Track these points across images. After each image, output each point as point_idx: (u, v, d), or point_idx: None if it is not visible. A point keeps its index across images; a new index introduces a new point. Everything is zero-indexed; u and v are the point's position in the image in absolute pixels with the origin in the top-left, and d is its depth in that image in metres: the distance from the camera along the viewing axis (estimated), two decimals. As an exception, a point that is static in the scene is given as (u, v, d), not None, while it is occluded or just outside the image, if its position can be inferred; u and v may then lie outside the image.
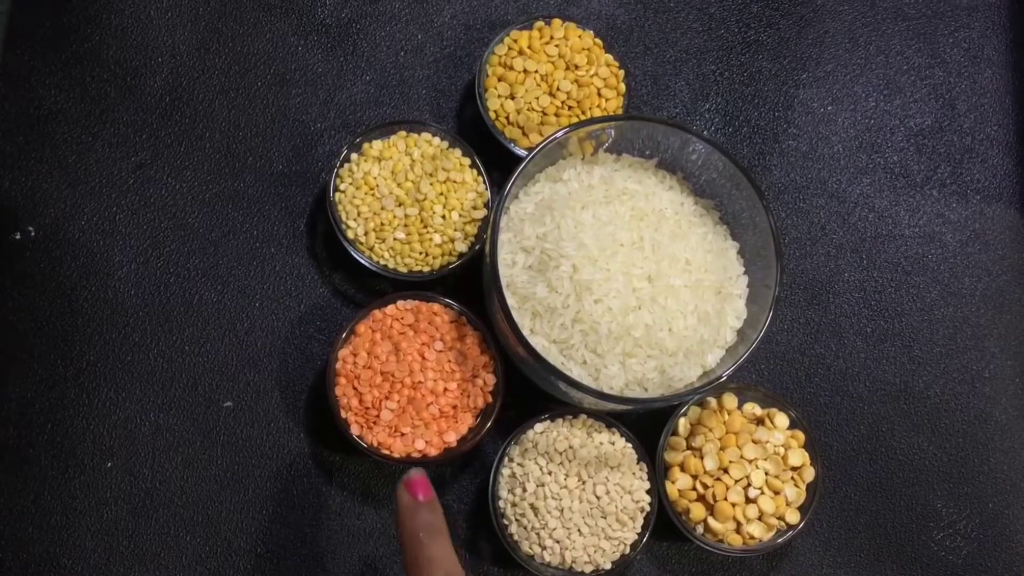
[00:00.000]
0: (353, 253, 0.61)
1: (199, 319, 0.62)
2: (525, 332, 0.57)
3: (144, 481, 0.60)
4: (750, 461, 0.60)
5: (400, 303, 0.61)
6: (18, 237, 0.62)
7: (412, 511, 0.51)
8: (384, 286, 0.63)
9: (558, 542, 0.58)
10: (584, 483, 0.59)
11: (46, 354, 0.61)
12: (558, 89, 0.64)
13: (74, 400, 0.61)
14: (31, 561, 0.59)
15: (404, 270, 0.62)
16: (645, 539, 0.59)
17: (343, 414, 0.59)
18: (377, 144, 0.63)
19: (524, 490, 0.59)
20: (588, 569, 0.58)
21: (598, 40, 0.66)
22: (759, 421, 0.61)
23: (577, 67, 0.64)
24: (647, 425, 0.61)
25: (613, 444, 0.60)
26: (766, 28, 0.70)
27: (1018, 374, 0.67)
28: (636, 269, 0.58)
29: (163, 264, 0.63)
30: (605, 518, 0.58)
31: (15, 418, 0.60)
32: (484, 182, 0.63)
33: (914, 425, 0.65)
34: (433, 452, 0.59)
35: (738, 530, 0.59)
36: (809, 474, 0.60)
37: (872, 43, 0.71)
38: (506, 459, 0.60)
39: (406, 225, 0.61)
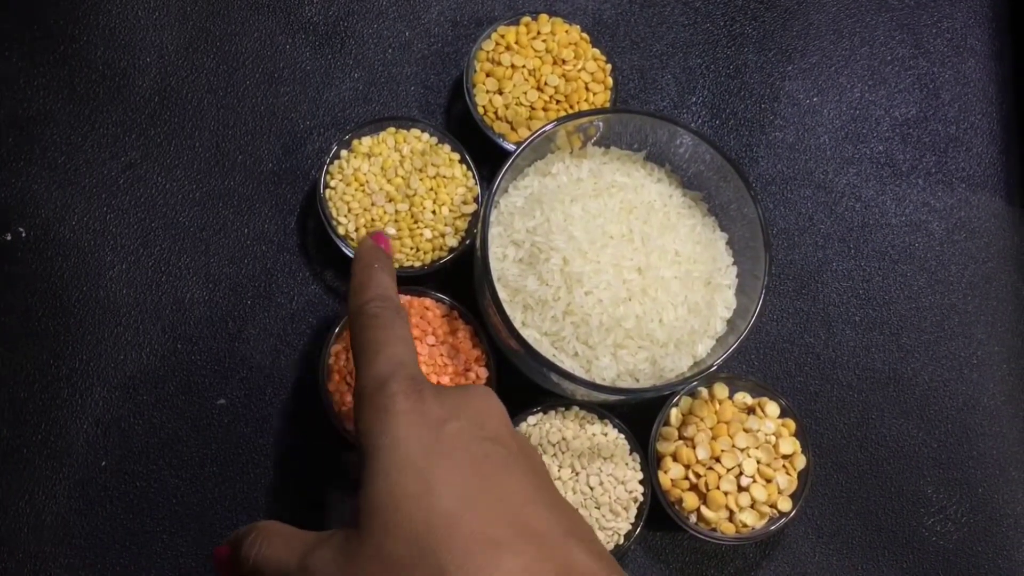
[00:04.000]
0: (344, 249, 0.62)
1: (191, 317, 0.63)
2: (517, 325, 0.58)
3: (138, 480, 0.60)
4: (742, 450, 0.60)
5: (392, 298, 0.61)
6: (9, 238, 0.62)
7: (371, 250, 0.55)
8: (375, 282, 0.64)
9: (552, 533, 0.58)
10: (577, 474, 0.59)
11: (38, 354, 0.61)
12: (546, 84, 0.64)
13: (67, 400, 0.61)
14: (26, 561, 0.59)
15: (395, 265, 0.62)
16: (639, 529, 0.60)
17: (337, 409, 0.59)
18: (366, 141, 0.63)
19: (518, 482, 0.59)
20: (583, 560, 0.59)
21: (585, 35, 0.66)
22: (750, 410, 0.62)
23: (564, 62, 0.65)
24: (639, 416, 0.62)
25: (606, 435, 0.60)
26: (751, 21, 0.71)
27: (1005, 360, 0.67)
28: (626, 261, 0.58)
29: (154, 263, 0.63)
30: (599, 509, 0.59)
31: (8, 418, 0.60)
32: (474, 177, 0.63)
33: (903, 412, 0.66)
34: (427, 446, 0.59)
35: (731, 518, 0.60)
36: (800, 462, 0.61)
37: (856, 34, 0.72)
38: (499, 452, 0.60)
39: (396, 221, 0.62)
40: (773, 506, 0.60)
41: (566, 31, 0.65)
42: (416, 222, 0.62)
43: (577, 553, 0.42)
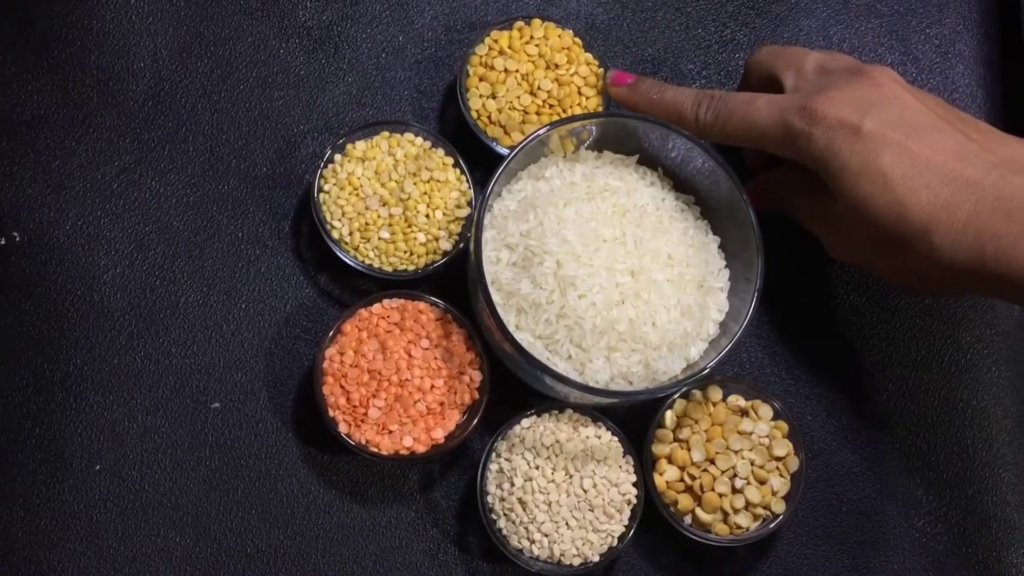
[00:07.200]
0: (338, 253, 0.62)
1: (185, 321, 0.63)
2: (511, 328, 0.58)
3: (133, 483, 0.60)
4: (736, 452, 0.61)
5: (386, 302, 0.61)
6: (3, 242, 0.62)
7: (632, 92, 0.62)
8: (369, 285, 0.64)
9: (546, 536, 0.59)
10: (571, 477, 0.59)
11: (32, 359, 0.61)
12: (539, 88, 0.64)
13: (61, 404, 0.61)
14: (21, 565, 0.59)
15: (389, 269, 0.62)
16: (632, 531, 0.60)
17: (331, 413, 0.59)
18: (360, 145, 0.63)
19: (512, 485, 0.59)
20: (576, 562, 0.59)
21: (577, 39, 0.66)
22: (744, 412, 0.62)
23: (557, 66, 0.65)
24: (632, 418, 0.62)
25: (599, 438, 0.61)
26: (742, 27, 0.71)
27: (994, 363, 0.68)
28: (619, 264, 0.59)
29: (148, 267, 0.63)
30: (592, 511, 0.59)
31: (2, 423, 0.60)
32: (467, 181, 0.64)
33: (894, 414, 0.66)
34: (421, 449, 0.59)
35: (725, 520, 0.60)
36: (793, 464, 0.61)
37: (845, 40, 0.72)
38: (493, 455, 0.60)
39: (390, 224, 0.62)
40: (767, 508, 0.60)
41: (559, 36, 0.66)
42: (410, 226, 0.62)
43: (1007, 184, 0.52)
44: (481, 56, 0.65)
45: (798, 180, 0.61)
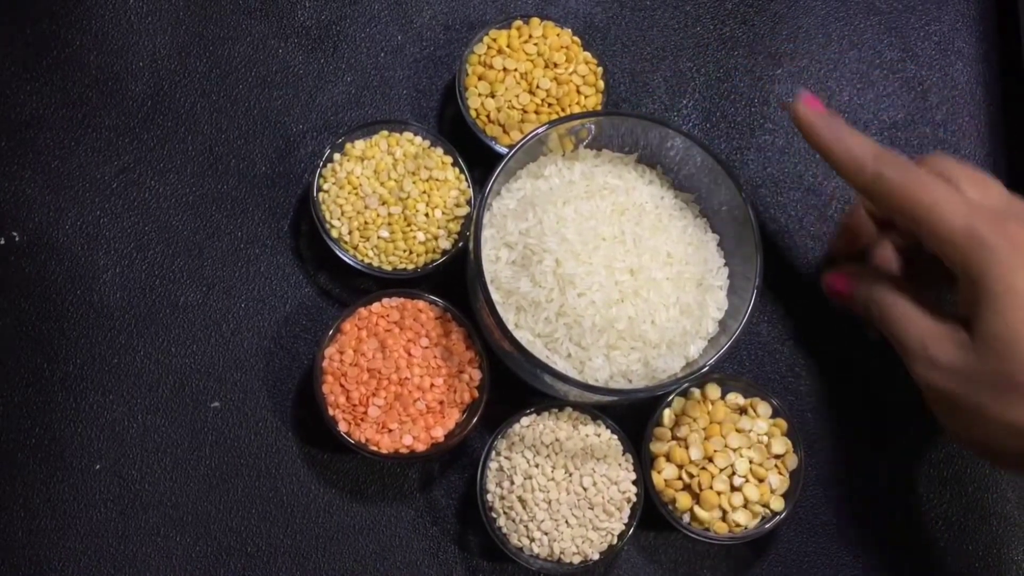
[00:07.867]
0: (338, 252, 0.62)
1: (185, 321, 0.63)
2: (510, 326, 0.58)
3: (133, 483, 0.61)
4: (734, 450, 0.61)
5: (385, 301, 0.61)
6: (2, 242, 0.62)
7: (818, 120, 0.57)
8: (369, 284, 0.64)
9: (546, 534, 0.59)
10: (571, 475, 0.59)
11: (32, 358, 0.61)
12: (537, 87, 0.64)
13: (61, 404, 0.61)
14: (21, 564, 0.59)
15: (388, 268, 0.62)
16: (632, 529, 0.60)
17: (330, 412, 0.59)
18: (359, 144, 0.63)
19: (512, 483, 0.59)
20: (576, 560, 0.59)
21: (576, 38, 0.66)
22: (742, 410, 0.62)
23: (556, 65, 0.65)
24: (632, 416, 0.62)
25: (599, 436, 0.61)
26: (741, 25, 0.71)
27: (994, 360, 0.68)
28: (618, 263, 0.59)
29: (148, 267, 0.63)
30: (592, 509, 0.59)
31: (2, 423, 0.60)
32: (466, 180, 0.64)
33: (893, 411, 0.66)
34: (421, 447, 0.59)
35: (724, 518, 0.60)
36: (792, 461, 0.61)
37: (845, 38, 0.72)
38: (493, 453, 0.60)
39: (390, 223, 0.62)
40: (766, 505, 0.60)
41: (557, 35, 0.66)
42: (409, 225, 0.62)
43: None
44: (480, 55, 0.65)
45: (900, 282, 0.59)
